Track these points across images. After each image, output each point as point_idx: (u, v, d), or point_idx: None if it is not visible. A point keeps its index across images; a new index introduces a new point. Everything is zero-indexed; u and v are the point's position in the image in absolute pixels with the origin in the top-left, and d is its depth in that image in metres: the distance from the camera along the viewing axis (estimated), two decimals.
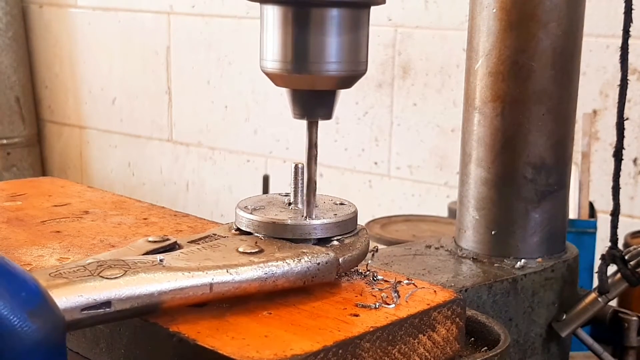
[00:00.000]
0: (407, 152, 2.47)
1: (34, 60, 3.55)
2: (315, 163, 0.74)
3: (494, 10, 0.96)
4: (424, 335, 0.66)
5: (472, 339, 0.77)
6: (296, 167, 0.75)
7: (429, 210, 2.22)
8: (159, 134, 3.14)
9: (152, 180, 3.21)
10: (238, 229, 0.75)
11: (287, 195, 0.78)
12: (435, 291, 0.70)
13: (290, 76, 0.71)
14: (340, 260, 0.70)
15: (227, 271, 0.64)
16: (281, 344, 0.59)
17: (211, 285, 0.63)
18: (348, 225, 0.74)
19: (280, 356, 0.57)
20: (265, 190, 2.45)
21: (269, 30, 0.71)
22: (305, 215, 0.73)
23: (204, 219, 0.93)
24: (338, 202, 0.78)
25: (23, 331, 0.48)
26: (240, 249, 0.69)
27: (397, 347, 0.64)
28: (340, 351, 0.59)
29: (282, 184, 2.69)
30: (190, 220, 0.92)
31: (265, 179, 2.45)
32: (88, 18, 3.29)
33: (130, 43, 3.16)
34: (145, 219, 0.92)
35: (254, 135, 2.84)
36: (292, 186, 0.75)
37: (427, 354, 0.67)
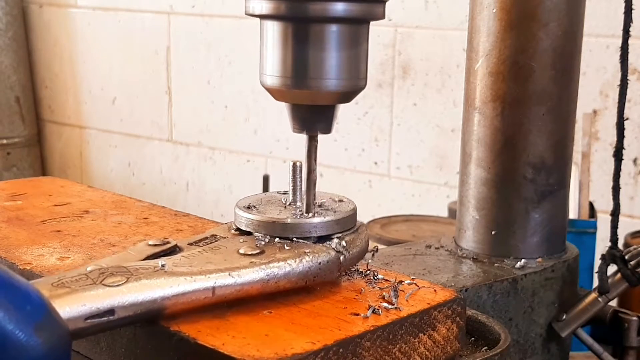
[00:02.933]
0: (407, 152, 2.47)
1: (34, 60, 3.55)
2: (315, 175, 0.74)
3: (494, 10, 0.96)
4: (424, 334, 0.66)
5: (472, 338, 0.77)
6: (294, 165, 0.75)
7: (429, 210, 2.22)
8: (159, 134, 3.14)
9: (152, 180, 3.21)
10: (238, 229, 0.74)
11: (285, 193, 0.78)
12: (435, 290, 0.70)
13: (290, 91, 0.71)
14: (341, 258, 0.70)
15: (229, 274, 0.64)
16: (282, 343, 0.59)
17: (214, 289, 0.63)
18: (348, 223, 0.74)
19: (280, 355, 0.57)
20: (266, 190, 2.45)
21: (269, 46, 0.71)
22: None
23: (204, 219, 0.93)
24: (337, 199, 0.78)
25: (29, 345, 0.47)
26: (241, 251, 0.69)
27: (398, 346, 0.64)
28: (340, 350, 0.59)
29: (282, 184, 2.69)
30: (190, 220, 0.92)
31: (265, 179, 2.45)
32: (88, 18, 3.29)
33: (130, 43, 3.16)
34: (145, 218, 0.92)
35: (254, 135, 2.84)
36: (291, 184, 0.75)
37: (427, 353, 0.67)
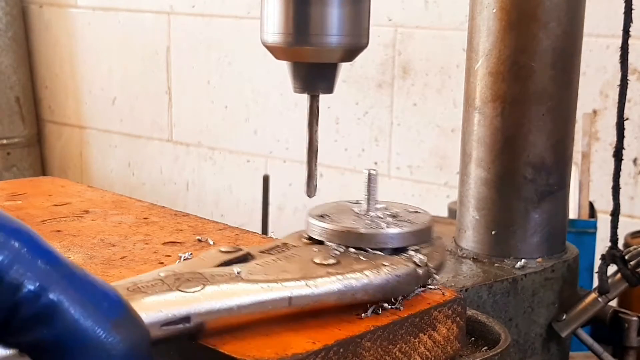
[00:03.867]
0: (407, 152, 2.48)
1: (34, 60, 3.55)
2: (317, 138, 0.72)
3: (494, 10, 0.96)
4: (424, 334, 0.66)
5: (472, 338, 0.77)
6: (370, 174, 0.72)
7: (429, 210, 2.22)
8: (159, 134, 3.14)
9: (152, 180, 3.21)
10: (310, 238, 0.72)
11: (357, 202, 0.75)
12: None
13: (291, 49, 0.70)
14: (420, 272, 0.67)
15: (306, 284, 0.62)
16: (282, 343, 0.59)
17: (290, 298, 0.61)
18: (424, 234, 0.71)
19: (281, 355, 0.57)
20: (265, 190, 2.45)
21: (270, 2, 0.70)
22: (305, 190, 0.72)
23: (205, 219, 0.93)
24: (412, 210, 0.75)
25: (109, 342, 0.45)
26: (317, 260, 0.66)
27: (398, 346, 0.64)
28: (341, 350, 0.59)
29: (282, 184, 2.70)
30: (190, 220, 0.92)
31: (265, 179, 2.45)
32: (88, 18, 3.29)
33: (130, 43, 3.16)
34: (145, 218, 0.92)
35: (254, 135, 2.84)
36: (365, 194, 0.73)
37: (427, 353, 0.67)
